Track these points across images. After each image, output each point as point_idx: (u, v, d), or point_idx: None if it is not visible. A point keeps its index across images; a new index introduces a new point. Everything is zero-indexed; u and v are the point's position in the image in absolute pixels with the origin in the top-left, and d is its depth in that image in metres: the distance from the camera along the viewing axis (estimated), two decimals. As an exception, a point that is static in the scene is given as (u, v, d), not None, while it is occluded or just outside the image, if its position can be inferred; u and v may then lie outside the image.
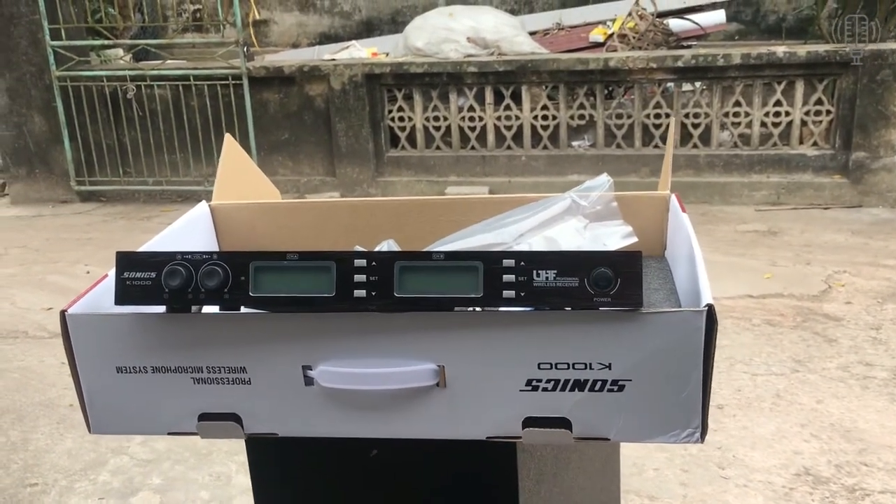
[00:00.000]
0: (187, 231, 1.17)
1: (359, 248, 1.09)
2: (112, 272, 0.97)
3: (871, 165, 4.76)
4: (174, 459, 2.63)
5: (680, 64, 4.78)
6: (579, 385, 0.84)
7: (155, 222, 5.25)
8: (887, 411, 2.77)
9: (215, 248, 1.24)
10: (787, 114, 4.82)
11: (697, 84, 4.91)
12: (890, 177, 4.76)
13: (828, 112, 4.80)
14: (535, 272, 0.81)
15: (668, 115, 4.87)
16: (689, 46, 5.34)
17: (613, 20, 5.55)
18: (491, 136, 5.09)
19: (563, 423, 0.85)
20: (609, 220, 1.11)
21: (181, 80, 5.27)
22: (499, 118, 5.04)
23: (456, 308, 0.83)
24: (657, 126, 4.91)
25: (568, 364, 0.83)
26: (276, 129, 5.26)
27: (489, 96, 5.01)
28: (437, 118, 5.11)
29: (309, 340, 0.87)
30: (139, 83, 5.34)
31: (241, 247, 1.22)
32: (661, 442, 0.85)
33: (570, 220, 1.11)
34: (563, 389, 0.84)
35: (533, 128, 5.03)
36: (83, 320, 0.89)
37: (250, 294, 0.85)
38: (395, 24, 7.28)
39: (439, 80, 5.02)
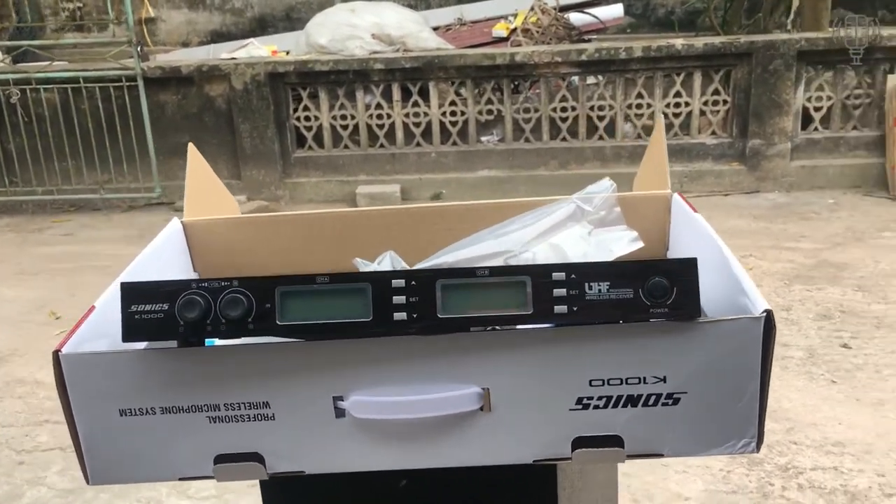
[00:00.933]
0: (164, 252, 1.07)
1: (360, 261, 1.02)
2: (100, 302, 0.88)
3: (766, 152, 4.93)
4: (97, 488, 2.48)
5: (584, 58, 4.84)
6: (632, 401, 0.80)
7: (48, 234, 4.97)
8: (807, 390, 2.86)
9: (190, 270, 1.14)
10: (687, 104, 4.95)
11: (601, 77, 4.98)
12: (784, 163, 4.95)
13: (724, 102, 4.96)
14: (587, 285, 0.77)
15: (573, 109, 4.92)
16: (589, 40, 5.41)
17: (515, 15, 5.57)
18: (400, 134, 5.03)
19: (615, 441, 0.82)
20: (613, 224, 1.08)
21: (70, 82, 4.99)
22: (407, 115, 4.99)
23: (504, 327, 0.78)
24: (563, 119, 4.96)
25: (621, 379, 0.80)
26: (175, 132, 5.05)
27: (397, 93, 4.95)
28: (344, 117, 5.01)
29: (340, 369, 0.80)
30: (23, 87, 5.02)
31: (219, 267, 1.14)
32: (715, 454, 0.82)
33: (575, 226, 1.08)
34: (615, 406, 0.80)
35: (442, 124, 5.00)
36: (81, 361, 0.80)
37: (278, 323, 0.77)
38: (290, 20, 7.12)
39: (345, 77, 4.93)
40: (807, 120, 4.99)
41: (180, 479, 0.83)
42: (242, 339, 0.79)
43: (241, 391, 0.81)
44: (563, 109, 4.95)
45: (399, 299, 0.77)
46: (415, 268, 1.01)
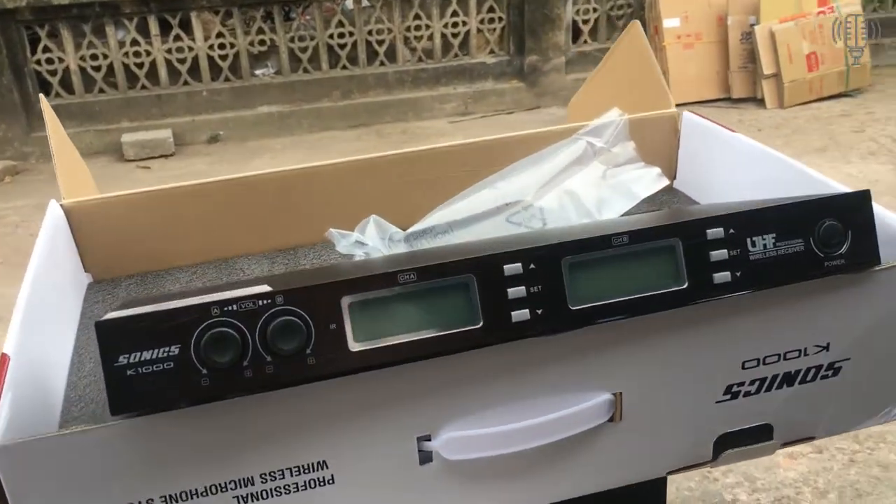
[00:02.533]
0: (55, 253, 0.75)
1: (336, 232, 0.77)
2: (11, 347, 0.57)
3: (543, 68, 4.95)
4: None
5: (357, -22, 4.55)
6: (788, 379, 0.63)
7: None
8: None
9: (80, 272, 0.82)
10: (464, 23, 4.83)
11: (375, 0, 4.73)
12: (560, 77, 4.99)
13: (500, 19, 4.89)
14: (749, 241, 0.58)
15: (351, 34, 4.65)
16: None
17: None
18: (163, 73, 4.50)
19: (765, 431, 0.65)
20: (628, 161, 0.90)
21: None
22: (169, 51, 4.46)
23: (653, 312, 0.57)
24: (342, 46, 4.67)
25: (779, 355, 0.62)
26: None
27: (154, 27, 4.40)
28: (94, 56, 4.39)
29: (427, 399, 0.57)
30: None
31: (122, 266, 0.83)
32: (868, 426, 0.67)
33: (587, 167, 0.88)
34: (768, 389, 0.63)
35: (210, 59, 4.53)
36: (28, 451, 0.50)
37: (350, 350, 0.52)
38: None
39: (91, 11, 4.30)
40: (576, 33, 5.06)
41: None
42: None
43: (286, 452, 0.55)
44: (341, 35, 4.65)
45: (517, 291, 0.54)
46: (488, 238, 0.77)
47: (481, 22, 4.87)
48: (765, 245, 0.58)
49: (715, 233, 0.57)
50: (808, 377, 0.64)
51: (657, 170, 0.89)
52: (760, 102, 4.66)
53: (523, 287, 0.54)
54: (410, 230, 0.80)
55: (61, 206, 0.80)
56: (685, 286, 0.57)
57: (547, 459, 0.60)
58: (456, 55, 4.89)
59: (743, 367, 0.62)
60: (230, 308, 0.50)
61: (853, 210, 0.59)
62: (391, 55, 4.78)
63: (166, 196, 0.84)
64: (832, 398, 0.65)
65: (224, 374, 0.49)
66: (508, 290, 0.54)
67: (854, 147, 3.82)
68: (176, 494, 0.53)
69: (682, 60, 4.83)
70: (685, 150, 0.94)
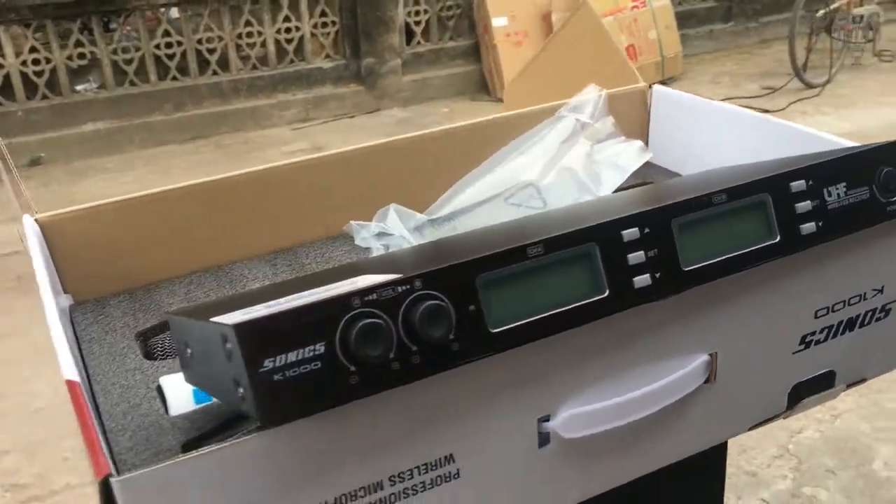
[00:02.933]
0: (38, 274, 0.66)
1: (356, 225, 0.73)
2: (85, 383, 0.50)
3: (380, 70, 4.94)
4: None
5: (179, -14, 4.37)
6: (850, 324, 0.66)
7: None
8: None
9: (60, 292, 0.73)
10: (298, 28, 4.75)
11: (200, 7, 4.55)
12: (397, 79, 5.01)
13: (333, 23, 4.84)
14: (825, 191, 0.59)
15: (180, 44, 4.45)
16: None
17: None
18: (-29, 93, 4.13)
19: (829, 378, 0.67)
20: (609, 137, 0.90)
21: None
22: (-24, 70, 4.10)
23: (750, 267, 0.57)
24: (170, 57, 4.46)
25: (844, 302, 0.65)
26: None
27: (-43, 44, 4.03)
28: None
29: (550, 378, 0.54)
30: None
31: (105, 283, 0.74)
32: (904, 364, 0.71)
33: (577, 144, 0.88)
34: (834, 336, 0.65)
35: (24, 76, 4.20)
36: (151, 480, 0.43)
37: (490, 331, 0.49)
38: None
39: None
40: (410, 35, 5.09)
41: None
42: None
43: (414, 449, 0.51)
44: (169, 45, 4.44)
45: (636, 256, 0.53)
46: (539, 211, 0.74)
47: (315, 26, 4.81)
48: (838, 195, 0.60)
49: (798, 185, 0.58)
50: (866, 321, 0.66)
51: (639, 143, 0.90)
52: (586, 95, 4.84)
53: (642, 252, 0.53)
54: (431, 217, 0.77)
55: (36, 221, 0.71)
56: (777, 240, 0.57)
57: (649, 427, 0.59)
58: (292, 61, 4.80)
59: (815, 317, 0.64)
60: (371, 297, 0.45)
61: (902, 155, 0.62)
62: (224, 64, 4.62)
63: (149, 203, 0.76)
64: (883, 339, 0.68)
65: (373, 369, 0.45)
66: (629, 255, 0.53)
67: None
68: (305, 512, 0.48)
69: (512, 57, 4.96)
70: (656, 123, 0.96)
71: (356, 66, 4.92)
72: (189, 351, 0.54)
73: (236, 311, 0.47)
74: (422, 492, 0.52)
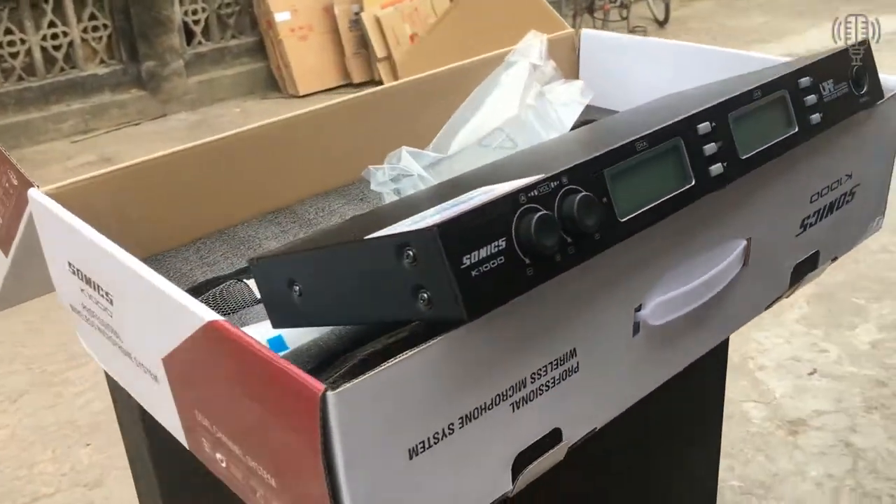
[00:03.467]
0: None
1: (374, 169, 0.74)
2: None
3: (162, 73, 4.74)
4: None
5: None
6: (831, 208, 0.75)
7: None
8: None
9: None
10: (66, 34, 4.45)
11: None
12: (182, 81, 4.83)
13: (105, 26, 4.58)
14: (821, 86, 0.68)
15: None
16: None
17: None
18: None
19: (815, 259, 0.76)
20: (552, 79, 0.96)
21: None
22: None
23: (779, 157, 0.64)
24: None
25: (828, 187, 0.74)
26: None
27: None
28: None
29: (641, 268, 0.59)
30: None
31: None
32: (864, 240, 0.82)
33: (531, 87, 0.92)
34: (820, 219, 0.75)
35: None
36: (361, 392, 0.43)
37: (619, 220, 0.52)
38: None
39: None
40: (190, 34, 4.92)
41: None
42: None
43: (551, 344, 0.54)
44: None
45: (711, 148, 0.58)
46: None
47: (85, 31, 4.53)
48: (830, 89, 0.69)
49: (805, 81, 0.66)
50: (840, 204, 0.76)
51: (580, 82, 0.96)
52: (380, 84, 4.91)
53: (714, 144, 0.59)
54: (442, 156, 0.79)
55: (42, 192, 0.65)
56: (796, 130, 0.65)
57: (706, 310, 0.65)
58: (63, 69, 4.49)
59: (811, 202, 0.72)
60: (533, 193, 0.48)
61: (866, 56, 0.72)
62: (-15, 77, 4.25)
63: (153, 168, 0.71)
64: (849, 220, 0.78)
65: (544, 260, 0.47)
66: (704, 147, 0.58)
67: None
68: (469, 414, 0.50)
69: (299, 52, 4.94)
70: (586, 66, 1.03)
71: (136, 70, 4.68)
72: (297, 288, 0.54)
73: (398, 224, 0.48)
74: (551, 388, 0.55)
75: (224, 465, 0.54)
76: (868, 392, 1.82)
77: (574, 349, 0.55)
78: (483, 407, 0.50)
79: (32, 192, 0.64)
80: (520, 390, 0.53)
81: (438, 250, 0.43)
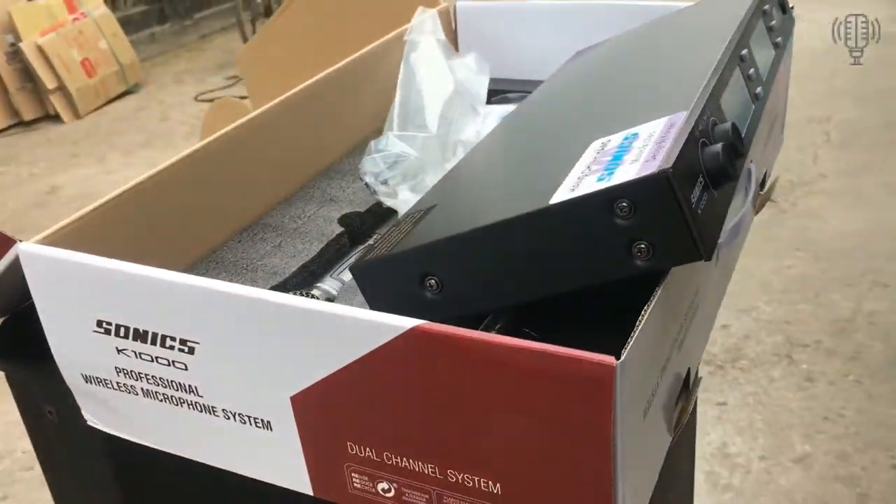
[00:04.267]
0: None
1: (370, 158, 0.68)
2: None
3: None
4: None
5: None
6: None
7: None
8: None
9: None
10: None
11: None
12: None
13: None
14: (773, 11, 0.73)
15: None
16: None
17: None
18: None
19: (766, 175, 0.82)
20: (445, 54, 0.93)
21: None
22: None
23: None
24: None
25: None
26: None
27: None
28: None
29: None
30: None
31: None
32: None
33: (440, 64, 0.89)
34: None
35: None
36: (631, 356, 0.40)
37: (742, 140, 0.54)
38: None
39: None
40: None
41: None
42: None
43: (687, 288, 0.54)
44: None
45: (753, 73, 0.62)
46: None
47: None
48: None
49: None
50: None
51: (474, 54, 0.94)
52: (57, 118, 4.45)
53: (752, 68, 0.61)
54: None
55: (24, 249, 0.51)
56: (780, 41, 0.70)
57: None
58: None
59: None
60: (702, 127, 0.47)
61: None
62: None
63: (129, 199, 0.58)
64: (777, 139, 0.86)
65: (727, 189, 0.47)
66: (749, 72, 0.61)
67: (171, 131, 3.99)
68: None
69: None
70: (464, 38, 1.00)
71: None
72: (431, 283, 0.48)
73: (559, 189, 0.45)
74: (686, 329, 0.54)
75: (391, 494, 0.47)
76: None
77: (697, 289, 0.55)
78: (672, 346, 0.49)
79: (23, 247, 0.50)
80: (679, 333, 0.52)
81: (671, 195, 0.41)
